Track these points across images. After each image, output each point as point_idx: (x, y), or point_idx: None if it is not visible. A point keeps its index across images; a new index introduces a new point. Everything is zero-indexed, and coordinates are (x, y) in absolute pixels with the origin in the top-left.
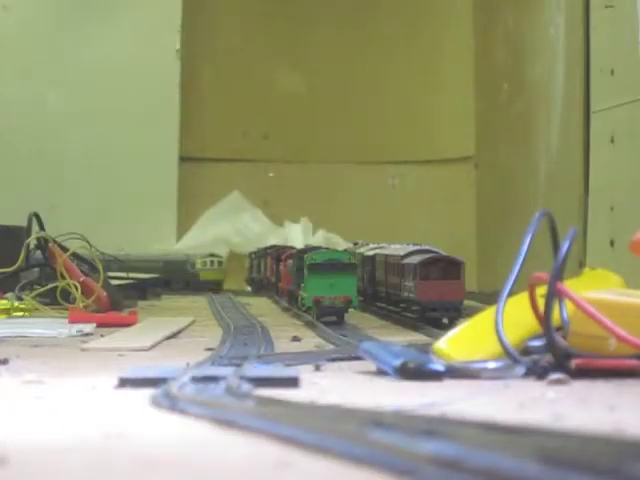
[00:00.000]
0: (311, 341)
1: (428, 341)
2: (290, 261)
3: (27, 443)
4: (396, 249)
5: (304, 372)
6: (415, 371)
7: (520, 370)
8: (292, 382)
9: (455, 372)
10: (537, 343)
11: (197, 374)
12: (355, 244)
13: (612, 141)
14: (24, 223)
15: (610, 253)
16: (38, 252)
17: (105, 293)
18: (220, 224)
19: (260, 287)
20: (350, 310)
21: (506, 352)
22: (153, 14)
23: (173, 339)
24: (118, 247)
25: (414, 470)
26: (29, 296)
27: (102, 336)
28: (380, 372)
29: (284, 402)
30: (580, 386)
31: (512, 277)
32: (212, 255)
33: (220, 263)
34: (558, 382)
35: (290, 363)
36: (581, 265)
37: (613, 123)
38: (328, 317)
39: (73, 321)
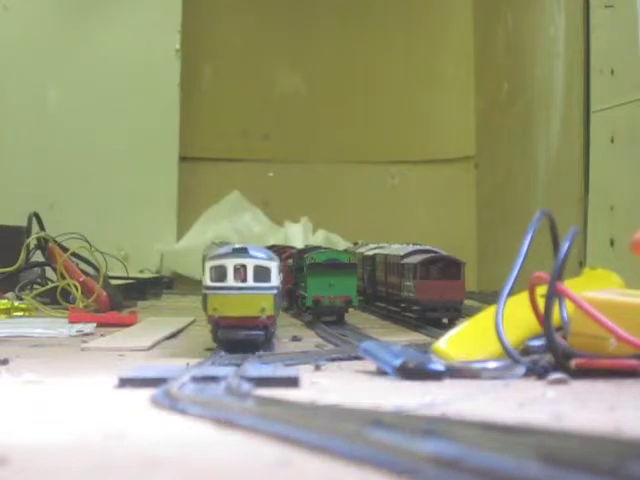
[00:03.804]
0: (311, 341)
1: (428, 341)
2: (290, 261)
3: (27, 443)
4: (396, 249)
5: (304, 372)
6: (415, 371)
7: (520, 370)
8: (292, 382)
9: (455, 372)
10: (537, 343)
11: (197, 374)
12: (355, 244)
13: (612, 141)
14: (24, 223)
15: (610, 253)
16: (37, 252)
17: (105, 293)
18: (220, 224)
19: None
20: (350, 310)
21: (506, 352)
22: (153, 14)
23: (173, 339)
24: (118, 247)
25: (414, 470)
26: (29, 296)
27: (102, 336)
28: (380, 372)
29: (284, 402)
30: (580, 386)
31: (512, 277)
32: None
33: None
34: (558, 382)
35: (290, 363)
36: (581, 265)
37: (613, 123)
38: (328, 317)
39: (73, 321)
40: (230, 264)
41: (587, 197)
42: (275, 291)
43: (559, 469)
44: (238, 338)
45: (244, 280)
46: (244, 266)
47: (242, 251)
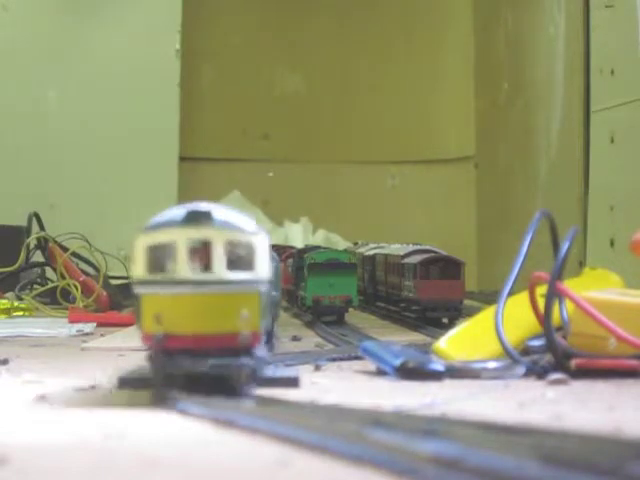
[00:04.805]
0: (311, 341)
1: (428, 341)
2: (290, 261)
3: (27, 443)
4: (396, 249)
5: (304, 372)
6: (415, 371)
7: (520, 370)
8: (292, 382)
9: (455, 372)
10: (537, 343)
11: None
12: (355, 244)
13: (612, 141)
14: (24, 223)
15: (610, 253)
16: (37, 252)
17: (105, 293)
18: None
19: None
20: (350, 310)
21: (506, 352)
22: (153, 14)
23: None
24: (118, 247)
25: (414, 470)
26: (29, 296)
27: (102, 336)
28: (380, 372)
29: (284, 402)
30: (580, 386)
31: (512, 277)
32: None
33: None
34: (558, 382)
35: (290, 363)
36: (581, 265)
37: (613, 123)
38: (328, 317)
39: (73, 321)
40: (181, 239)
41: (587, 197)
42: (263, 287)
43: (559, 469)
44: (203, 372)
45: (208, 268)
46: (207, 243)
47: (202, 217)
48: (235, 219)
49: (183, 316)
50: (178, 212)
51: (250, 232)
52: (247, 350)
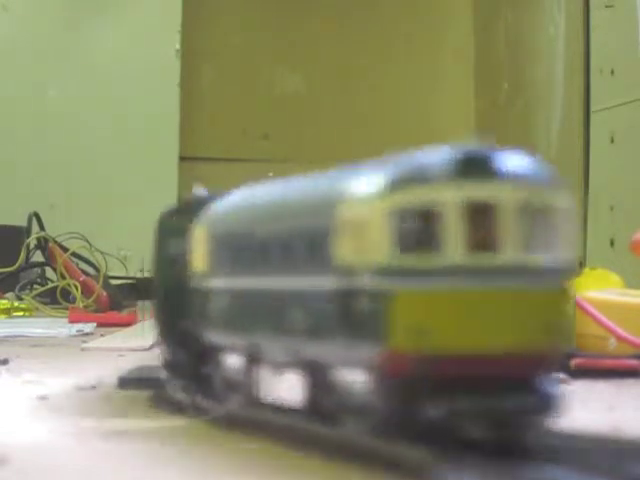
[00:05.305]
0: None
1: None
2: None
3: (27, 443)
4: None
5: None
6: None
7: None
8: None
9: None
10: None
11: None
12: None
13: (612, 141)
14: (24, 223)
15: (610, 253)
16: (37, 252)
17: (105, 293)
18: None
19: None
20: None
21: None
22: (153, 14)
23: None
24: (118, 247)
25: (415, 470)
26: (29, 296)
27: (102, 336)
28: None
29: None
30: (580, 386)
31: None
32: None
33: None
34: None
35: None
36: (581, 265)
37: (613, 123)
38: None
39: (73, 321)
40: (453, 201)
41: (587, 197)
42: (572, 277)
43: (559, 469)
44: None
45: (494, 248)
46: (488, 207)
47: (479, 162)
48: (528, 167)
49: (464, 325)
50: (435, 156)
51: (552, 188)
52: (537, 377)
